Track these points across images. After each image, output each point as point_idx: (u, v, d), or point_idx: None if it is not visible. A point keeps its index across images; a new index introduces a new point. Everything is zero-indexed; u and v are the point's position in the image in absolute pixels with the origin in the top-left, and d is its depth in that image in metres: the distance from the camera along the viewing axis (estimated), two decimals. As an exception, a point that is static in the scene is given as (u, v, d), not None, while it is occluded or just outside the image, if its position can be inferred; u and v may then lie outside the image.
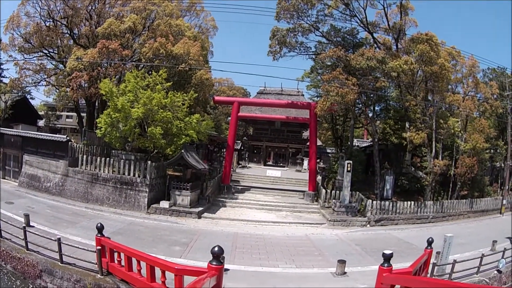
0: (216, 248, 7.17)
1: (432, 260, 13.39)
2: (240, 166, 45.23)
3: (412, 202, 26.71)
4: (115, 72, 29.85)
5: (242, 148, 49.56)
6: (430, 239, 12.39)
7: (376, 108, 35.31)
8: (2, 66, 40.59)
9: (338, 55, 27.33)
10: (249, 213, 25.83)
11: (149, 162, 24.06)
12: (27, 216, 16.71)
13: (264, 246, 18.06)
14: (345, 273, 14.15)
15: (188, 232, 19.51)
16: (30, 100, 46.09)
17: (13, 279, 13.52)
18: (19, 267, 13.55)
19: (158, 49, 29.49)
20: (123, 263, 11.28)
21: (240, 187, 32.75)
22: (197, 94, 29.30)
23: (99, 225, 11.87)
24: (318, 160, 37.06)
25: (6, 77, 40.46)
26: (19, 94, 41.03)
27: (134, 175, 24.19)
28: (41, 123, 53.37)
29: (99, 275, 11.90)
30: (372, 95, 30.38)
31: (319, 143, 44.91)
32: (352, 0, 28.46)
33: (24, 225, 14.81)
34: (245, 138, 52.52)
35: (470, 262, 14.84)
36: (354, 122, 36.55)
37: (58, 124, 58.60)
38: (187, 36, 34.05)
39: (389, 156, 32.95)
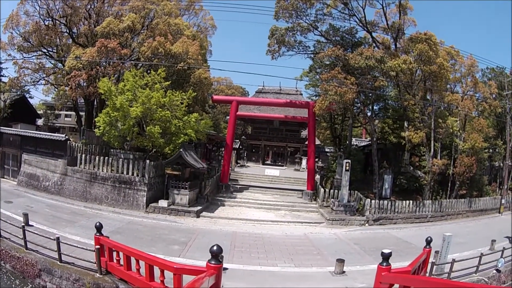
0: (214, 247, 7.17)
1: (431, 259, 13.41)
2: (238, 165, 45.24)
3: (411, 201, 26.73)
4: (113, 71, 29.80)
5: (240, 147, 49.56)
6: (429, 238, 12.42)
7: (374, 107, 35.45)
8: (1, 65, 40.56)
9: (337, 54, 27.33)
10: (247, 212, 25.85)
11: (147, 161, 24.05)
12: (26, 215, 16.73)
13: (262, 245, 18.08)
14: (343, 272, 14.18)
15: (187, 231, 19.53)
16: (29, 99, 45.93)
17: (12, 278, 13.52)
18: (18, 266, 13.55)
19: (157, 48, 29.48)
20: (122, 262, 11.30)
21: (238, 186, 32.76)
22: (195, 93, 29.28)
23: (98, 224, 11.87)
24: (316, 159, 37.13)
25: (5, 76, 40.42)
26: (18, 93, 40.89)
27: (132, 174, 24.19)
28: (40, 122, 53.25)
29: (98, 274, 11.91)
30: (370, 94, 30.41)
31: (317, 142, 44.90)
32: (351, -1, 28.51)
33: (23, 224, 14.83)
34: (243, 137, 52.54)
35: (469, 261, 14.87)
36: (352, 121, 36.55)
37: (57, 123, 58.48)
38: (186, 35, 34.03)
39: (387, 155, 32.97)
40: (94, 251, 11.89)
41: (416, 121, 29.33)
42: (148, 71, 29.03)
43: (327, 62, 31.44)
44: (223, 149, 38.43)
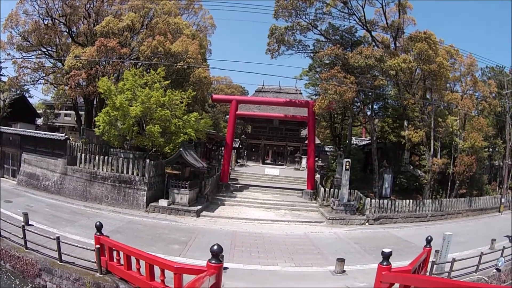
0: (215, 247, 7.16)
1: (431, 259, 13.41)
2: (238, 164, 45.22)
3: (411, 201, 26.75)
4: (113, 70, 29.76)
5: (240, 146, 49.56)
6: (429, 238, 12.41)
7: (374, 106, 35.45)
8: (0, 65, 40.54)
9: (337, 53, 27.32)
10: (247, 211, 25.85)
11: (147, 160, 24.05)
12: (26, 215, 16.72)
13: (263, 244, 18.08)
14: (344, 271, 14.18)
15: (187, 231, 19.52)
16: (28, 98, 45.90)
17: (12, 278, 13.51)
18: (18, 266, 13.54)
19: (157, 47, 29.43)
20: (122, 261, 11.29)
21: (238, 186, 32.76)
22: (195, 92, 29.26)
23: (98, 223, 11.85)
24: (316, 159, 37.13)
25: (5, 75, 40.41)
26: (18, 92, 40.85)
27: (132, 173, 24.18)
28: (39, 121, 53.19)
29: (98, 274, 11.90)
30: (370, 94, 30.41)
31: (317, 141, 44.90)
32: (350, -2, 28.51)
33: (23, 223, 14.82)
34: (243, 136, 52.54)
35: (469, 261, 14.88)
36: (352, 120, 36.56)
37: (56, 122, 58.32)
38: (185, 34, 34.00)
39: (387, 154, 33.00)
40: (94, 250, 11.88)
41: (416, 120, 29.36)
42: (148, 70, 29.02)
43: (327, 61, 31.45)
44: (223, 148, 38.43)
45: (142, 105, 23.25)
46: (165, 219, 21.83)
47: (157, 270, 9.80)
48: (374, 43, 30.55)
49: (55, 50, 34.99)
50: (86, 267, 12.36)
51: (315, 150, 33.62)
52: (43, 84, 37.16)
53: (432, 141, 28.72)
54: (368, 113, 33.53)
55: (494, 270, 15.12)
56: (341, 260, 14.29)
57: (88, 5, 33.14)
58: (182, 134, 25.25)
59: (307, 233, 21.35)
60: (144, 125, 24.38)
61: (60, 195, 25.06)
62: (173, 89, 27.05)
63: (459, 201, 29.46)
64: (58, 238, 12.79)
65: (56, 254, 12.78)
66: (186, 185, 24.08)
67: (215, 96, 38.10)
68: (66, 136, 28.64)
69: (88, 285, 11.70)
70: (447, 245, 14.31)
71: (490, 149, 37.37)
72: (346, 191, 25.98)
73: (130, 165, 24.29)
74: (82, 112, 39.03)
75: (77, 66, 29.11)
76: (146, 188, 23.72)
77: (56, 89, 37.71)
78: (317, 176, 33.17)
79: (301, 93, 49.44)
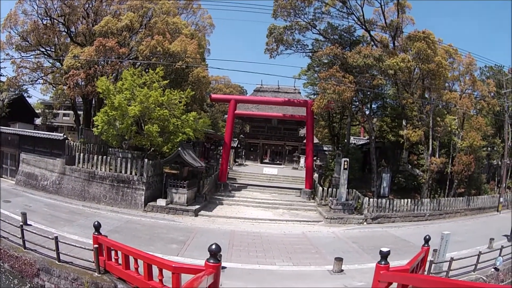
0: (213, 246, 7.19)
1: (429, 258, 13.45)
2: (236, 164, 45.21)
3: (409, 200, 26.79)
4: (112, 70, 29.76)
5: (238, 146, 49.57)
6: (427, 237, 12.45)
7: (373, 105, 35.46)
8: (-1, 65, 40.45)
9: (335, 52, 27.32)
10: (246, 211, 25.86)
11: (146, 160, 24.05)
12: (24, 215, 16.70)
13: (261, 244, 18.09)
14: (342, 270, 14.20)
15: (185, 230, 19.53)
16: (27, 98, 45.96)
17: (11, 278, 13.51)
18: (16, 266, 13.54)
19: (155, 47, 29.43)
20: (120, 261, 11.30)
21: (237, 185, 32.77)
22: (194, 92, 29.28)
23: (96, 223, 11.84)
24: (314, 158, 37.16)
25: (4, 75, 40.33)
26: (16, 92, 40.87)
27: (131, 173, 24.18)
28: (38, 121, 53.09)
29: (96, 274, 11.90)
30: (369, 93, 30.44)
31: (315, 140, 44.94)
32: (349, -2, 28.51)
33: (21, 223, 14.80)
34: (242, 136, 52.56)
35: (467, 260, 14.91)
36: (351, 119, 36.57)
37: (55, 122, 58.27)
38: (184, 34, 33.98)
39: (386, 153, 33.00)
40: (92, 250, 11.87)
41: (414, 119, 29.37)
42: (146, 70, 29.03)
43: (325, 61, 31.42)
44: (221, 148, 38.46)
45: (141, 104, 23.26)
46: (163, 219, 21.83)
47: (155, 270, 9.81)
48: (372, 43, 30.54)
49: (53, 50, 34.96)
50: (84, 267, 12.35)
51: (314, 150, 33.66)
52: (42, 84, 37.10)
53: (430, 140, 28.75)
54: (367, 112, 33.52)
55: (493, 269, 15.17)
56: (339, 260, 14.31)
57: (87, 5, 33.11)
58: (180, 134, 25.27)
59: (305, 232, 21.36)
60: (143, 125, 24.38)
61: (58, 194, 25.05)
62: (172, 88, 27.07)
63: (457, 200, 29.50)
64: (56, 237, 12.78)
65: (54, 254, 12.77)
66: (184, 185, 24.08)
67: (213, 95, 38.11)
68: (65, 136, 28.61)
69: (86, 285, 11.70)
70: (445, 244, 14.34)
71: (489, 148, 37.40)
72: (344, 190, 25.99)
73: (129, 165, 24.29)
74: (80, 112, 39.02)
75: (75, 66, 29.08)
76: (144, 188, 23.72)
77: (54, 89, 37.68)
78: (315, 175, 33.19)
79: (299, 93, 49.48)
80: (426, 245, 12.32)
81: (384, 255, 9.05)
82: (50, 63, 36.87)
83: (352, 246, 18.75)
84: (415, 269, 10.63)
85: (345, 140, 37.06)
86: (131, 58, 32.04)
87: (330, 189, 27.94)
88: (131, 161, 24.46)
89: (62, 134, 29.38)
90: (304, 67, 43.25)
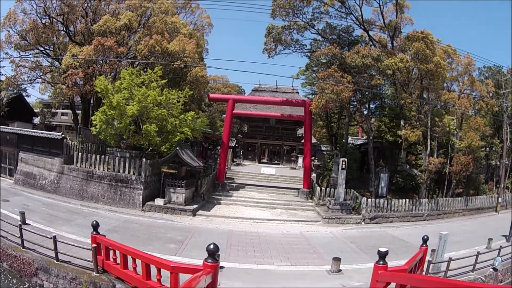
0: (211, 246, 7.19)
1: (428, 258, 13.48)
2: (234, 163, 45.12)
3: (407, 200, 26.82)
4: (110, 69, 29.68)
5: (236, 145, 49.52)
6: (425, 237, 12.48)
7: (371, 105, 35.45)
8: (-1, 64, 40.32)
9: (334, 52, 27.34)
10: (243, 210, 25.87)
11: (144, 159, 24.05)
12: (22, 214, 16.69)
13: (259, 243, 18.12)
14: (340, 270, 14.23)
15: (183, 230, 19.55)
16: (25, 97, 45.87)
17: (10, 277, 13.51)
18: (15, 265, 13.54)
19: (154, 46, 29.41)
20: (118, 261, 11.30)
21: (234, 185, 32.77)
22: (192, 92, 29.24)
23: (94, 222, 11.86)
24: (312, 158, 37.20)
25: (2, 74, 40.21)
26: (15, 91, 40.78)
27: (129, 172, 24.18)
28: (36, 120, 52.99)
29: (94, 273, 11.91)
30: (367, 93, 30.45)
31: (313, 140, 45.00)
32: (348, -2, 28.53)
33: (20, 223, 14.79)
34: (239, 135, 52.53)
35: (466, 260, 14.96)
36: (349, 119, 36.62)
37: (53, 121, 58.13)
38: (182, 33, 33.97)
39: (384, 153, 33.00)
40: (90, 249, 11.89)
41: (412, 119, 29.41)
42: (145, 70, 29.02)
43: (324, 61, 31.45)
44: (219, 147, 38.44)
45: (139, 104, 23.26)
46: (161, 218, 21.84)
47: (153, 269, 9.82)
48: (371, 43, 30.55)
49: (52, 49, 34.86)
50: (83, 266, 12.37)
51: (312, 149, 33.66)
52: (40, 83, 37.02)
53: (429, 140, 28.77)
54: (365, 112, 33.53)
55: (491, 270, 15.23)
56: (337, 259, 14.33)
57: (86, 4, 33.05)
58: (178, 133, 25.27)
59: (303, 232, 21.39)
60: (141, 124, 24.37)
61: (56, 194, 25.04)
62: (170, 88, 27.09)
63: (456, 201, 29.54)
64: (54, 237, 12.79)
65: (52, 253, 12.78)
66: (182, 184, 24.08)
67: (211, 95, 38.10)
68: (63, 135, 28.60)
69: (85, 284, 11.71)
70: (443, 245, 14.37)
71: (487, 149, 37.43)
72: (342, 190, 26.02)
73: (127, 164, 24.29)
74: (79, 111, 38.97)
75: (74, 65, 29.02)
76: (142, 187, 23.72)
77: (53, 88, 37.59)
78: (313, 175, 33.19)
79: (297, 93, 49.42)
80: (424, 245, 12.35)
81: (382, 255, 9.08)
82: (49, 62, 36.79)
83: (350, 246, 18.78)
84: (413, 269, 10.66)
85: (343, 140, 37.15)
86: (129, 57, 32.01)
87: (328, 189, 27.97)
88: (129, 160, 24.45)
89: (60, 134, 29.33)
90: (302, 67, 43.35)
